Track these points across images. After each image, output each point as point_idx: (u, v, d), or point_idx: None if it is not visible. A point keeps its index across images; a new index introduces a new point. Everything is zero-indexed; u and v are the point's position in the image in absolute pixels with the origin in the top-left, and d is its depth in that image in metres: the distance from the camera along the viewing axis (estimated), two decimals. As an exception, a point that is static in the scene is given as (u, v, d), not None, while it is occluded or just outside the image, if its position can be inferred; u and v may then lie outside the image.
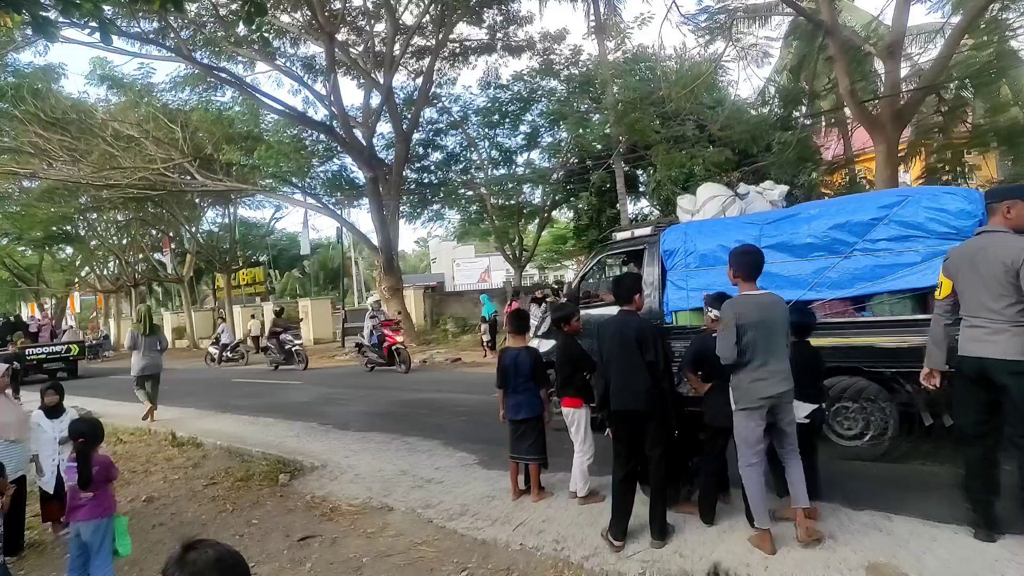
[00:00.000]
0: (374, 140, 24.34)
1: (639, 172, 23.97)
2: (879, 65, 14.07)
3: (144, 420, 11.21)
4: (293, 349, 19.01)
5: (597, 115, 21.52)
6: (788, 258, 6.48)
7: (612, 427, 4.81)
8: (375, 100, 23.69)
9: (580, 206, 25.44)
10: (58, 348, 22.03)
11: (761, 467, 4.43)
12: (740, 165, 17.75)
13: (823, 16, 12.26)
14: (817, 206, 6.87)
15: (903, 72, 13.77)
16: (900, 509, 4.75)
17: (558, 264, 40.47)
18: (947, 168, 15.41)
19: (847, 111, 16.40)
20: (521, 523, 5.26)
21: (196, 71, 22.09)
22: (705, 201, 8.21)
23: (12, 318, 27.63)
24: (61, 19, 5.34)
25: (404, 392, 13.13)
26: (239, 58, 23.05)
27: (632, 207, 24.53)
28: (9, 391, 5.90)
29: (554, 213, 30.70)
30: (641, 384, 4.58)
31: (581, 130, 21.57)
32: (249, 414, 11.78)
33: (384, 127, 25.59)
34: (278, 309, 23.77)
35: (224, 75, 21.72)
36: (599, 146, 22.07)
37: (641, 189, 25.17)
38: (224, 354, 22.97)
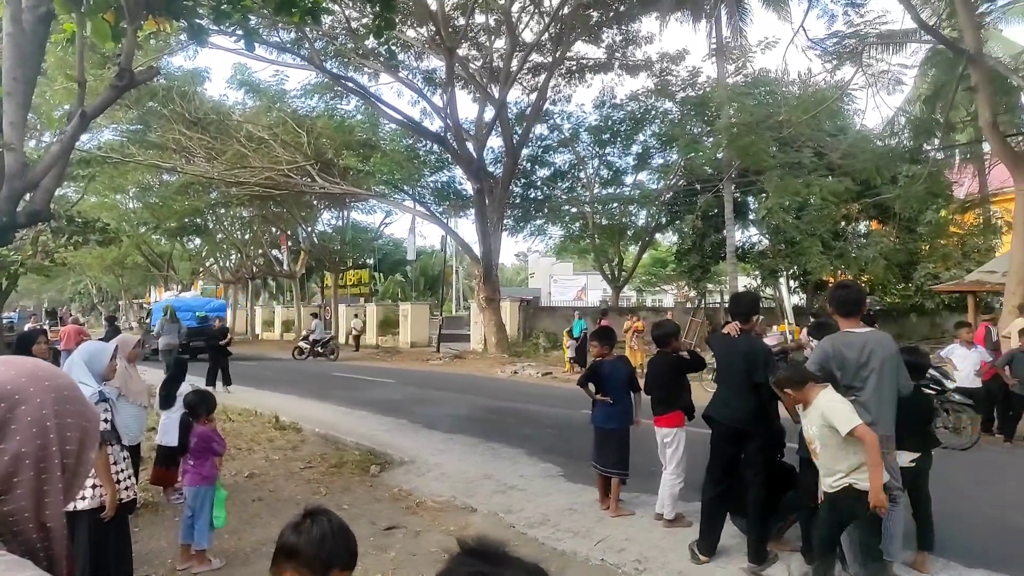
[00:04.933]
0: (484, 153, 24.87)
1: (750, 199, 23.29)
2: (1027, 98, 13.09)
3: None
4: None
5: (710, 138, 21.09)
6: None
7: (713, 440, 4.77)
8: (488, 114, 24.19)
9: (684, 229, 24.92)
10: None
11: None
12: (861, 196, 16.91)
13: (967, 44, 11.54)
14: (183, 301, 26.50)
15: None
16: (1020, 573, 4.35)
17: (656, 288, 39.73)
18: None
19: (986, 145, 15.32)
20: (602, 539, 5.19)
21: (325, 80, 23.32)
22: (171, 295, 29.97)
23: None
24: (212, 27, 5.83)
25: (492, 400, 13.24)
26: (365, 69, 24.19)
27: (739, 234, 23.86)
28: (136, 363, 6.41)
29: (657, 236, 30.24)
30: (744, 402, 4.51)
31: (692, 152, 21.19)
32: (345, 405, 12.24)
33: (495, 141, 26.10)
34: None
35: (351, 84, 22.84)
36: (709, 169, 21.62)
37: (751, 216, 24.44)
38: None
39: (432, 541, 5.27)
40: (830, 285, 21.25)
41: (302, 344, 24.72)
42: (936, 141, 15.92)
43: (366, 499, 6.45)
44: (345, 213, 35.78)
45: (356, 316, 30.90)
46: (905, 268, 20.60)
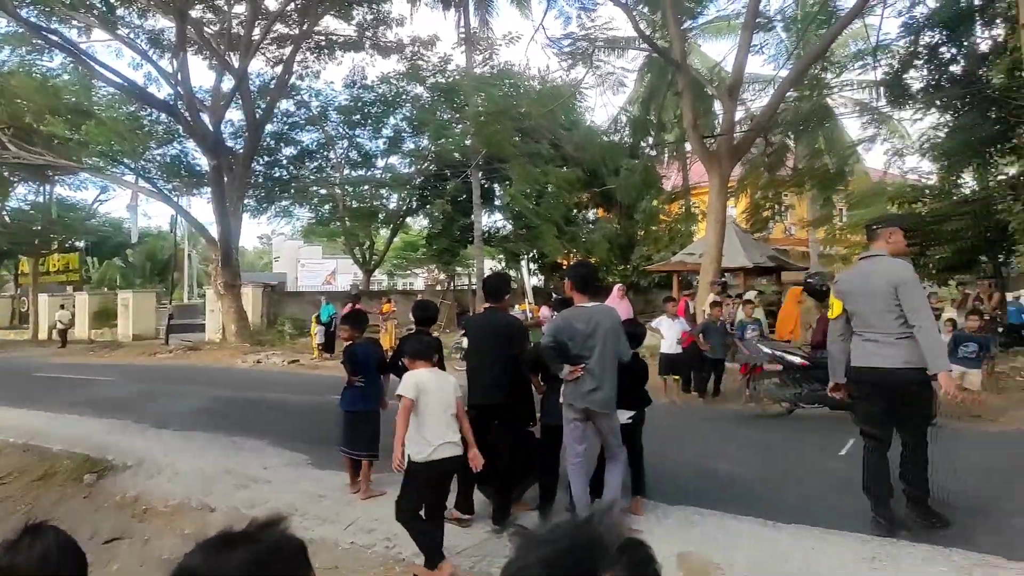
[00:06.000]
0: (222, 127, 22.96)
1: (495, 185, 24.44)
2: (719, 106, 15.36)
3: None
4: None
5: (459, 125, 21.72)
6: None
7: (470, 415, 4.87)
8: (227, 84, 22.36)
9: (435, 214, 25.49)
10: None
11: (584, 466, 4.62)
12: (589, 185, 18.64)
13: (675, 54, 13.19)
14: None
15: (738, 115, 15.13)
16: (710, 506, 5.13)
17: (407, 271, 40.13)
18: (768, 205, 17.02)
19: (688, 145, 17.74)
20: (352, 522, 5.13)
21: (21, 30, 19.68)
22: None
23: None
24: None
25: (233, 391, 12.39)
26: (74, 22, 20.87)
27: (486, 218, 24.94)
28: None
29: (408, 219, 30.51)
30: (505, 378, 4.72)
31: (442, 138, 21.66)
32: (52, 409, 10.58)
33: (234, 114, 24.24)
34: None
35: (55, 38, 19.53)
36: (458, 155, 22.28)
37: (496, 202, 25.66)
38: None
39: (163, 547, 4.81)
40: (564, 266, 23.25)
41: None
42: (650, 139, 18.10)
43: (84, 510, 5.69)
44: (48, 188, 30.75)
45: (63, 307, 26.80)
46: (625, 250, 23.18)
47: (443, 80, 24.62)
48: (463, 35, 20.97)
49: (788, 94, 14.24)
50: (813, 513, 4.84)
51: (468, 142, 20.22)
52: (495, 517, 4.80)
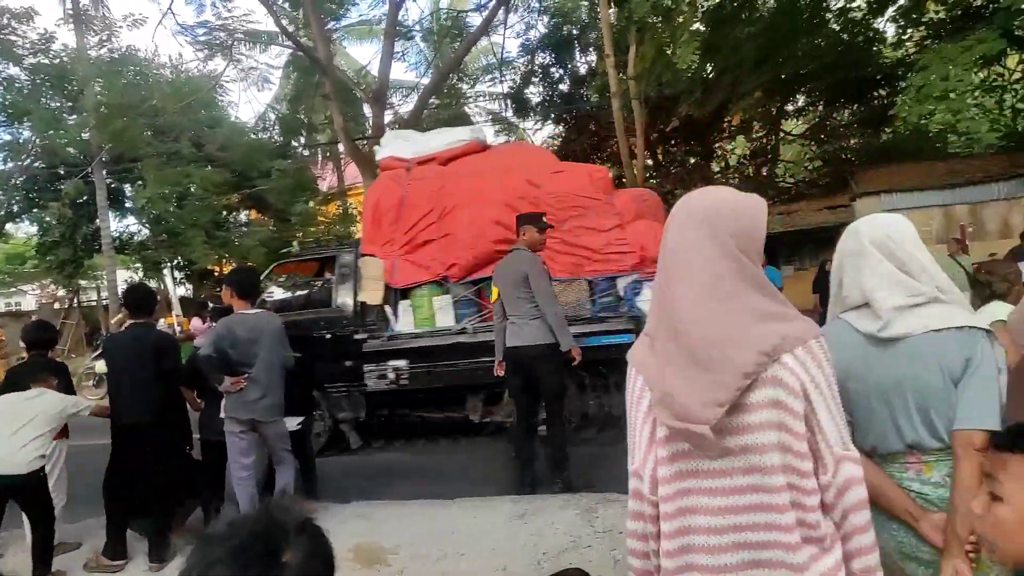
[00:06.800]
0: None
1: (127, 186, 21.66)
2: (368, 109, 15.77)
3: None
4: None
5: (74, 116, 18.74)
6: None
7: (114, 441, 4.49)
8: None
9: (48, 219, 21.59)
10: None
11: (252, 480, 4.48)
12: (239, 187, 17.64)
13: (320, 54, 13.18)
14: None
15: (387, 118, 15.73)
16: (384, 497, 5.36)
17: (13, 289, 33.33)
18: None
19: (341, 146, 17.88)
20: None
21: None
22: None
23: None
24: None
25: None
26: None
27: (116, 223, 22.07)
28: None
29: (8, 226, 25.31)
30: (154, 396, 4.36)
31: (51, 130, 18.43)
32: None
33: None
34: None
35: None
36: (75, 151, 19.21)
37: (129, 205, 22.78)
38: None
39: None
40: (216, 273, 21.70)
41: None
42: (302, 139, 17.79)
43: None
44: None
45: None
46: (283, 254, 22.34)
47: (47, 62, 20.84)
48: (70, 12, 18.10)
49: (431, 101, 15.25)
50: (476, 486, 5.37)
51: (87, 136, 17.54)
52: (152, 554, 4.36)
